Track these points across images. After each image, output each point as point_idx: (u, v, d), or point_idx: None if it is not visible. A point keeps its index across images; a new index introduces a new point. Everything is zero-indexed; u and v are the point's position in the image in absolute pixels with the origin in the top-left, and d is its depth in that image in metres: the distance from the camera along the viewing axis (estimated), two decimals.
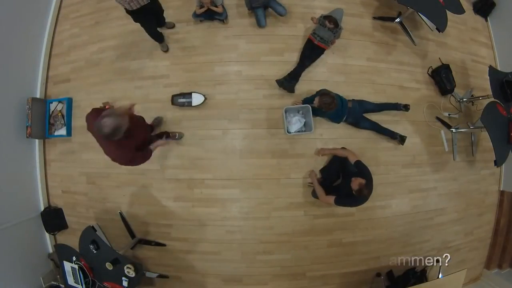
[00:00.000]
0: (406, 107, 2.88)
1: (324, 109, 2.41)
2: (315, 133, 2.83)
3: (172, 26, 3.00)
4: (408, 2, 2.74)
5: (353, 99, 2.78)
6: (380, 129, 2.86)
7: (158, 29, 2.80)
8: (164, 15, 2.77)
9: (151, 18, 2.59)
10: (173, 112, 2.90)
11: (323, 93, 2.43)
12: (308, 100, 2.69)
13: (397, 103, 2.91)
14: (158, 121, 2.85)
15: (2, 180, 2.73)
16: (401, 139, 2.89)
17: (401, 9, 3.10)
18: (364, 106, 2.79)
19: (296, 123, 2.74)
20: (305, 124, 2.76)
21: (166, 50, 2.98)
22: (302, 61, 2.83)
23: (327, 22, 2.63)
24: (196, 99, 2.83)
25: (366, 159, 2.81)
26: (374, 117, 2.88)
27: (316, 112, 2.68)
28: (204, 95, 2.83)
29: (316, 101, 2.43)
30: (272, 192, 2.84)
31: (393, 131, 2.88)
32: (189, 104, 2.83)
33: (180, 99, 2.84)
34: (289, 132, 2.72)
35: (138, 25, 3.10)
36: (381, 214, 2.95)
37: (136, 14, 2.41)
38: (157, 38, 2.80)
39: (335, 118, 2.74)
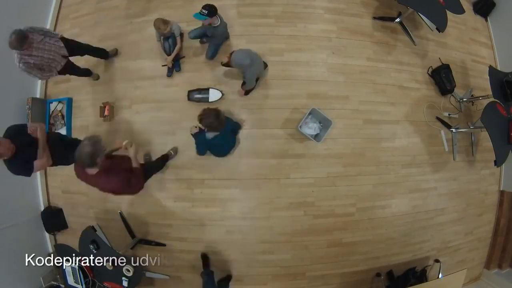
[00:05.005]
0: None
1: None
2: None
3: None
4: (408, 2, 2.75)
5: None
6: None
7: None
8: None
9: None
10: (172, 113, 2.89)
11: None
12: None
13: None
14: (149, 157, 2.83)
15: (2, 180, 2.72)
16: None
17: (401, 9, 3.10)
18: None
19: (311, 128, 2.74)
20: (316, 135, 2.76)
21: (97, 78, 3.05)
22: None
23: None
24: (213, 94, 2.80)
25: (366, 159, 2.83)
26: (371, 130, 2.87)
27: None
28: (221, 91, 2.80)
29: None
30: (272, 192, 2.83)
31: None
32: (206, 100, 2.79)
33: (196, 95, 2.81)
34: (299, 128, 2.70)
35: (138, 25, 3.10)
36: (381, 214, 2.95)
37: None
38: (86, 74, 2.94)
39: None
